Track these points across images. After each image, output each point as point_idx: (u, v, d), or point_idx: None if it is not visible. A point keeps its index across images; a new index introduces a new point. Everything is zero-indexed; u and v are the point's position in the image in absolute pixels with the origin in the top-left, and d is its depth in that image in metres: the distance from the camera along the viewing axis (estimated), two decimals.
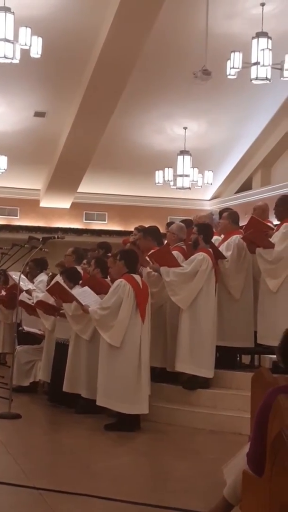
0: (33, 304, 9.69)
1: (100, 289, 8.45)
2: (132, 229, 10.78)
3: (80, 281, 8.99)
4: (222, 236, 9.12)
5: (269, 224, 8.79)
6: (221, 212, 9.60)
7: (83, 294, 8.34)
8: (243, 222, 9.13)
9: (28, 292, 10.06)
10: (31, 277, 10.82)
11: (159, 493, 5.49)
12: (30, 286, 10.27)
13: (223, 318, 8.62)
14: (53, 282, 9.53)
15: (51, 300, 9.06)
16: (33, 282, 10.64)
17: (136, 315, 7.77)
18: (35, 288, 10.25)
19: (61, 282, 9.06)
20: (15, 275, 9.94)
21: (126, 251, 8.44)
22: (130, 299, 7.74)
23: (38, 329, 10.10)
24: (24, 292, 9.97)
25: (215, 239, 9.16)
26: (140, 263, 8.57)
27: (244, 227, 8.79)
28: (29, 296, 10.01)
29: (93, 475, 5.95)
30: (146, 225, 10.37)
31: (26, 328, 10.30)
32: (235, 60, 12.26)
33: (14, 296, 10.43)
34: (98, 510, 5.10)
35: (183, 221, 9.91)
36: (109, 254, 9.70)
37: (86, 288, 8.45)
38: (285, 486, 2.77)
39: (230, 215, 9.00)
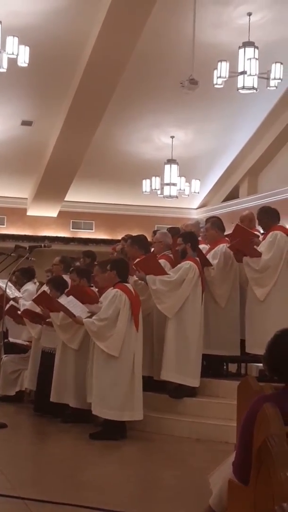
0: (19, 313, 9.66)
1: (86, 298, 8.42)
2: (119, 238, 10.79)
3: (66, 290, 8.96)
4: (208, 245, 9.14)
5: (255, 232, 8.82)
6: (207, 221, 9.62)
7: (69, 304, 8.31)
8: (230, 231, 9.14)
9: (15, 300, 10.02)
10: (18, 286, 10.78)
11: (145, 502, 5.47)
12: (16, 294, 10.23)
13: (209, 326, 8.62)
14: (40, 291, 9.51)
15: (37, 309, 9.04)
16: (20, 291, 10.60)
17: (131, 324, 7.81)
18: (22, 296, 10.21)
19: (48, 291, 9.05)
20: (1, 282, 9.91)
21: (117, 260, 8.46)
22: (127, 309, 7.78)
23: (23, 340, 10.07)
24: (11, 300, 9.93)
25: (202, 247, 9.18)
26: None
27: (229, 235, 8.81)
28: (16, 304, 9.97)
29: (79, 485, 5.92)
30: (134, 234, 10.38)
31: (11, 340, 10.26)
32: (222, 70, 12.30)
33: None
34: None
35: (170, 229, 9.93)
36: (96, 263, 9.70)
37: (71, 297, 8.42)
38: (269, 495, 2.77)
39: (214, 224, 9.02)
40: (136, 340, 7.84)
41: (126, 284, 7.96)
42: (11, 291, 10.08)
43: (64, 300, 8.47)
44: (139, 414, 7.74)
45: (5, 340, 9.93)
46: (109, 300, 7.85)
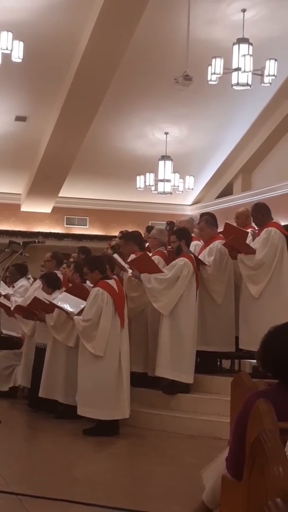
0: (11, 309, 9.64)
1: (80, 295, 8.41)
2: (113, 234, 10.79)
3: (60, 287, 8.95)
4: (202, 242, 9.14)
5: (250, 229, 8.83)
6: (200, 217, 9.62)
7: (64, 300, 8.29)
8: (223, 227, 9.15)
9: (6, 297, 10.01)
10: (10, 281, 10.76)
11: (138, 498, 5.48)
12: (7, 290, 10.22)
13: (205, 323, 8.63)
14: (30, 291, 9.48)
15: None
16: (12, 287, 10.59)
17: (115, 321, 7.77)
18: (13, 293, 10.20)
19: (39, 290, 9.03)
20: None
21: (92, 260, 8.39)
22: (109, 307, 7.73)
23: (16, 333, 10.06)
24: (2, 296, 9.92)
25: (196, 244, 9.18)
26: (121, 268, 8.57)
27: (221, 233, 8.81)
28: (7, 302, 9.95)
29: (72, 481, 5.93)
30: (128, 230, 10.37)
31: (5, 332, 10.25)
32: (216, 66, 12.30)
33: None
34: None
35: (168, 223, 9.93)
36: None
37: (64, 294, 8.39)
38: (263, 491, 2.77)
39: (207, 221, 9.00)
40: (122, 337, 7.81)
41: (108, 281, 7.90)
42: (2, 288, 10.07)
43: (57, 298, 8.43)
44: (126, 412, 7.72)
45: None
46: (91, 300, 7.82)
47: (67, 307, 8.14)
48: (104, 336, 7.65)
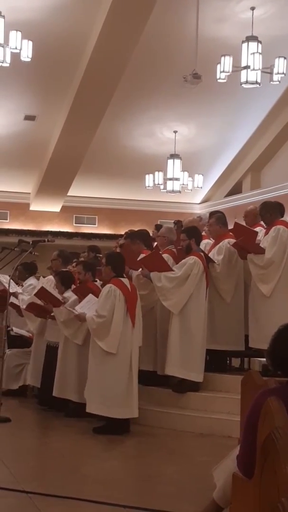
0: (23, 308, 9.65)
1: (87, 294, 8.41)
2: (122, 233, 10.79)
3: (73, 286, 8.96)
4: (212, 240, 9.13)
5: (259, 228, 8.81)
6: (210, 215, 9.61)
7: (88, 304, 8.23)
8: (232, 226, 9.14)
9: (15, 295, 10.02)
10: (19, 280, 10.77)
11: (148, 496, 5.48)
12: (16, 289, 10.23)
13: (215, 322, 8.62)
14: (38, 284, 9.50)
15: (39, 302, 9.03)
16: (21, 286, 10.60)
17: (127, 320, 7.77)
18: (21, 292, 10.21)
19: (47, 285, 9.04)
20: (3, 277, 9.90)
21: (111, 255, 8.41)
22: (121, 304, 7.73)
23: (26, 331, 10.08)
24: (11, 295, 9.91)
25: (206, 242, 9.18)
26: (130, 266, 8.56)
27: (233, 229, 8.80)
28: (15, 300, 9.97)
29: (82, 479, 5.94)
30: (136, 229, 10.37)
31: (15, 330, 10.28)
32: (225, 64, 12.29)
33: (1, 299, 10.39)
34: None
35: (176, 222, 9.92)
36: (100, 255, 9.71)
37: (91, 297, 8.35)
38: (274, 489, 2.77)
39: (218, 219, 8.99)
40: (133, 336, 7.81)
41: (121, 279, 7.91)
42: (12, 286, 10.07)
43: (83, 301, 8.39)
44: (135, 411, 7.72)
45: (8, 329, 9.93)
46: (105, 296, 7.82)
47: (84, 310, 8.07)
48: (117, 333, 7.65)
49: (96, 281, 8.85)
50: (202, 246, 8.84)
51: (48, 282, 9.53)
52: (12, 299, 9.88)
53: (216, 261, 8.62)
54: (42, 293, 8.86)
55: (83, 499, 5.22)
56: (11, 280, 9.37)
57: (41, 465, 6.57)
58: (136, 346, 7.84)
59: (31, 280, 10.70)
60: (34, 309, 9.21)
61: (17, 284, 10.57)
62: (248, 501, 3.23)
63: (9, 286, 9.04)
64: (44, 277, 10.57)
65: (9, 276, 9.31)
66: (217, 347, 8.65)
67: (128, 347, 7.73)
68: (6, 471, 5.96)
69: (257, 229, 8.77)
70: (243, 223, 8.94)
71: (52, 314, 8.85)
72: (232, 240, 8.62)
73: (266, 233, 8.49)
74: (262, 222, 8.88)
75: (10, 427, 7.95)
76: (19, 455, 6.84)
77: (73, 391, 8.48)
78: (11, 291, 9.85)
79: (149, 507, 5.07)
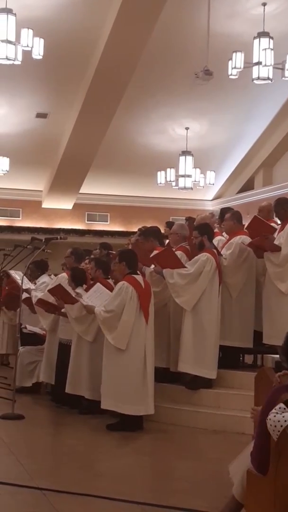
0: (34, 303, 9.68)
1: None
2: (134, 230, 10.79)
3: (85, 283, 8.97)
4: (227, 236, 9.12)
5: (273, 224, 8.78)
6: (222, 211, 9.59)
7: (96, 294, 8.27)
8: (245, 222, 9.12)
9: (27, 291, 10.04)
10: (31, 279, 10.80)
11: (162, 493, 5.49)
12: (29, 285, 10.26)
13: (224, 317, 8.61)
14: (54, 282, 9.51)
15: (51, 299, 9.05)
16: (34, 284, 10.63)
17: (140, 316, 7.77)
18: (34, 288, 10.24)
19: (64, 281, 9.06)
20: (16, 274, 9.93)
21: (125, 252, 8.41)
22: (133, 301, 7.72)
23: (40, 329, 10.10)
24: (24, 291, 9.94)
25: (219, 239, 9.16)
26: (143, 263, 8.56)
27: (246, 226, 8.78)
28: (29, 296, 9.99)
29: (96, 475, 5.95)
30: (149, 226, 10.36)
31: (28, 327, 10.30)
32: (237, 60, 12.27)
33: (14, 297, 10.42)
34: (101, 510, 5.09)
35: (187, 218, 9.89)
36: (112, 252, 9.70)
37: (98, 286, 8.37)
38: None
39: (233, 216, 8.98)
40: (147, 332, 7.82)
41: (135, 276, 7.92)
42: (24, 282, 10.10)
43: (91, 290, 8.42)
44: (150, 408, 7.72)
45: (21, 327, 9.96)
46: (116, 292, 7.83)
47: (96, 301, 8.11)
48: (126, 329, 7.65)
49: (109, 278, 8.86)
50: (215, 242, 8.83)
51: (63, 279, 9.55)
52: (25, 295, 9.90)
53: (223, 255, 8.59)
54: (57, 290, 8.87)
55: (97, 496, 5.23)
56: (24, 277, 9.40)
57: (55, 462, 6.59)
58: (150, 343, 7.84)
59: (44, 278, 10.73)
60: (44, 305, 9.24)
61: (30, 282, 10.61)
62: (263, 497, 3.23)
63: (22, 283, 9.07)
64: (55, 275, 10.59)
65: (23, 273, 9.34)
66: (225, 343, 8.61)
67: (141, 343, 7.72)
68: (20, 468, 5.99)
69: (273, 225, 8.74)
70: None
71: (62, 310, 8.86)
72: (245, 237, 8.60)
73: (281, 229, 8.45)
74: (276, 218, 8.86)
75: (24, 424, 7.98)
76: (33, 452, 6.86)
77: (85, 388, 8.50)
78: (24, 287, 9.89)
79: (162, 503, 5.07)
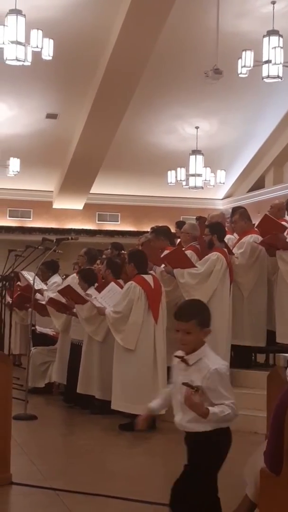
0: (44, 303, 9.69)
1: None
2: (145, 230, 10.79)
3: (96, 283, 8.98)
4: (236, 235, 9.10)
5: (283, 222, 8.76)
6: (233, 210, 9.58)
7: (110, 293, 8.27)
8: (256, 221, 9.10)
9: (40, 291, 10.07)
10: (42, 279, 10.82)
11: None
12: (41, 286, 10.28)
13: (235, 316, 8.59)
14: (65, 282, 9.53)
15: (63, 300, 9.07)
16: (45, 284, 10.64)
17: (149, 316, 7.77)
18: (46, 288, 10.26)
19: (75, 282, 9.07)
20: (28, 274, 9.94)
21: (133, 252, 8.41)
22: (141, 301, 7.73)
23: (51, 330, 10.11)
24: (36, 292, 9.96)
25: (229, 238, 9.15)
26: (153, 262, 8.56)
27: (257, 225, 8.76)
28: (41, 296, 10.01)
29: (109, 476, 5.96)
30: (160, 225, 10.36)
31: (39, 329, 10.32)
32: (246, 59, 12.26)
33: (25, 298, 10.44)
34: (114, 510, 5.10)
35: (198, 218, 9.88)
36: (124, 252, 9.71)
37: (112, 285, 8.38)
38: None
39: (242, 215, 8.95)
40: (156, 332, 7.80)
41: (144, 276, 7.91)
42: (36, 283, 10.12)
43: (105, 290, 8.43)
44: None
45: (33, 328, 9.97)
46: (123, 293, 7.84)
47: (110, 302, 8.10)
48: (134, 329, 7.65)
49: (119, 278, 8.86)
50: (225, 241, 8.81)
51: (73, 280, 9.56)
52: (38, 296, 9.92)
53: (235, 254, 8.58)
54: (67, 290, 8.89)
55: (110, 496, 5.23)
56: (36, 277, 9.41)
57: (67, 462, 6.60)
58: (160, 342, 7.83)
59: (55, 278, 10.75)
60: (55, 304, 9.25)
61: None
62: (276, 497, 3.22)
63: (33, 283, 9.09)
64: (66, 275, 10.60)
65: (34, 274, 9.35)
66: (238, 342, 8.59)
67: (150, 343, 7.72)
68: (33, 468, 6.00)
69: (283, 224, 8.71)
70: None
71: (73, 310, 8.87)
72: (256, 236, 8.58)
73: None
74: (287, 217, 8.84)
75: (36, 424, 8.01)
76: (46, 452, 6.87)
77: (96, 388, 8.51)
78: (36, 288, 9.90)
79: None
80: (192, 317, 3.74)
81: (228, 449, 3.58)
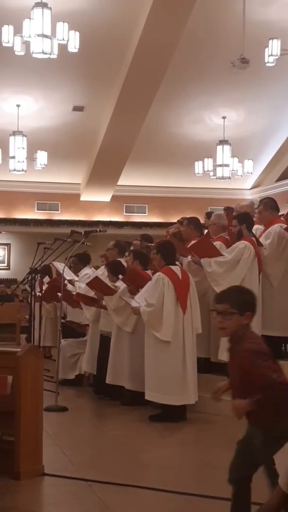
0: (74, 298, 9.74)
1: (141, 282, 8.42)
2: (172, 221, 10.77)
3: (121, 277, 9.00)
4: (263, 226, 9.05)
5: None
6: (260, 203, 9.52)
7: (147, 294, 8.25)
8: (284, 211, 9.05)
9: (71, 282, 10.11)
10: (74, 272, 10.87)
11: (206, 483, 5.49)
12: (72, 276, 10.32)
13: (265, 306, 8.55)
14: (93, 275, 9.56)
15: (91, 293, 9.09)
16: (77, 276, 10.69)
17: (177, 307, 7.76)
18: (77, 280, 10.30)
19: (103, 275, 9.09)
20: (59, 265, 9.99)
21: (161, 243, 8.40)
22: (170, 292, 7.72)
23: (81, 321, 10.15)
24: (67, 281, 10.00)
25: (257, 228, 9.10)
26: (181, 253, 8.55)
27: (285, 215, 8.70)
28: (72, 287, 10.05)
29: (140, 466, 5.97)
30: (188, 216, 10.34)
31: (68, 319, 10.36)
32: (273, 47, 12.17)
33: (55, 290, 10.49)
34: (146, 501, 5.11)
35: (225, 208, 9.85)
36: (152, 244, 9.72)
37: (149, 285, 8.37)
38: None
39: (267, 205, 8.87)
40: (185, 322, 7.79)
41: (172, 267, 7.90)
42: (67, 274, 10.16)
43: (143, 289, 8.41)
44: (192, 398, 7.72)
45: (62, 320, 10.02)
46: (153, 285, 7.83)
47: (141, 301, 8.09)
48: (170, 321, 7.65)
49: (147, 269, 8.86)
50: (253, 231, 8.76)
51: (101, 271, 9.59)
52: (69, 287, 9.97)
53: (263, 245, 8.54)
54: (95, 282, 8.92)
55: (142, 487, 5.25)
56: (66, 267, 9.46)
57: (99, 453, 6.63)
58: (189, 333, 7.82)
59: (86, 270, 10.79)
60: (83, 298, 9.29)
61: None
62: None
63: (63, 273, 9.13)
64: (96, 267, 10.63)
65: (64, 265, 9.40)
66: (266, 332, 8.54)
67: (179, 334, 7.73)
68: (65, 460, 6.04)
69: None
70: None
71: (101, 303, 8.89)
72: (281, 225, 8.52)
73: None
74: None
75: (67, 416, 8.06)
76: (77, 443, 6.91)
77: (126, 379, 8.53)
78: (68, 278, 9.95)
79: (207, 494, 5.07)
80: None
81: None
